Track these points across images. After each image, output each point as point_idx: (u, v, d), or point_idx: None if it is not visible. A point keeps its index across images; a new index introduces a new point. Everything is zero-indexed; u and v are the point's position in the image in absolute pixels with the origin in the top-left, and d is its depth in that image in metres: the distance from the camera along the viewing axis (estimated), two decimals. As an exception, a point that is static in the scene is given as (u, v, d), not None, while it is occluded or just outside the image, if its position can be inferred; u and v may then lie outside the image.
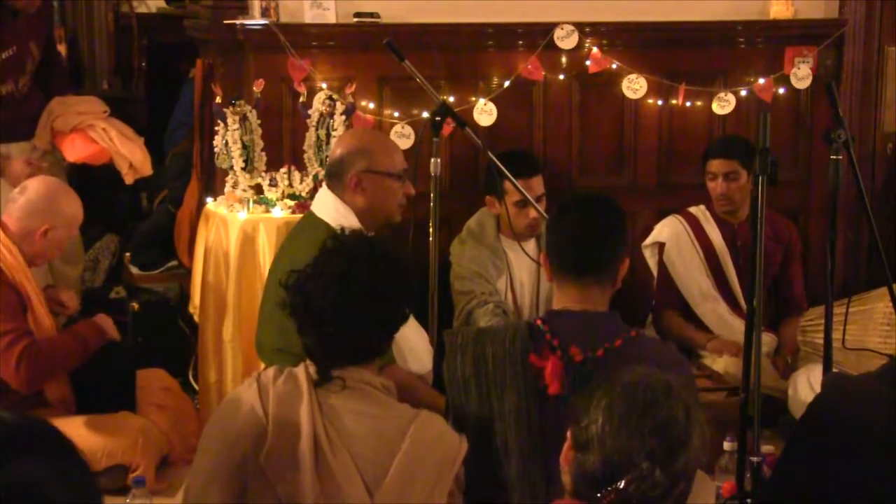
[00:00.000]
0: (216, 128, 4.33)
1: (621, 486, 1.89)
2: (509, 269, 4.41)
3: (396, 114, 4.65)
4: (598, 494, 1.91)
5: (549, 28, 4.71)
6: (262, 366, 3.50)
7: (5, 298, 3.79)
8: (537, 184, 4.36)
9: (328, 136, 4.29)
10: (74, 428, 3.83)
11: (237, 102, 4.28)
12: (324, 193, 3.69)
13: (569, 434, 1.99)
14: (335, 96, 4.39)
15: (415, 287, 2.54)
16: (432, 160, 3.78)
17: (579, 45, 4.75)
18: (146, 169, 4.74)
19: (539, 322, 2.64)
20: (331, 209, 3.60)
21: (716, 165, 4.55)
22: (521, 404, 2.57)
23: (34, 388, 3.88)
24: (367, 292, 2.42)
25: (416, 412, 2.44)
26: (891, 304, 3.67)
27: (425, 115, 4.48)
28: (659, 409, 1.94)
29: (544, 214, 4.04)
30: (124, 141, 4.62)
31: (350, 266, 2.44)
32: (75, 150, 4.61)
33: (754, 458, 2.75)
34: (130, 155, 4.64)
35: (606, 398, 1.96)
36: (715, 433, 2.97)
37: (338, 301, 2.41)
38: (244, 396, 2.42)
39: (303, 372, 2.44)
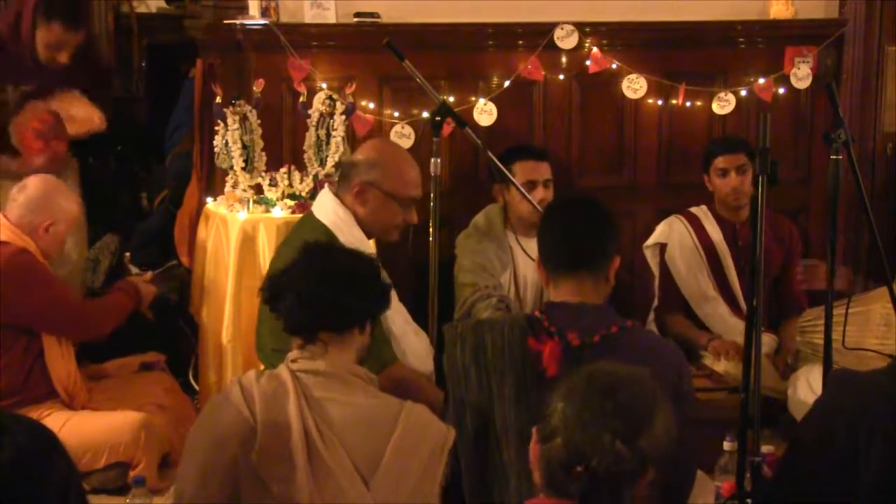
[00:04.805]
0: (216, 128, 4.33)
1: (589, 464, 1.93)
2: (514, 263, 4.42)
3: (396, 114, 4.65)
4: (568, 478, 1.95)
5: (549, 28, 4.71)
6: (262, 366, 3.50)
7: (48, 269, 4.07)
8: (545, 168, 4.43)
9: (328, 136, 4.30)
10: (77, 423, 3.88)
11: (237, 102, 4.28)
12: (325, 195, 3.69)
13: (534, 430, 2.04)
14: (335, 96, 4.39)
15: (383, 281, 2.64)
16: (432, 160, 3.79)
17: (579, 45, 4.75)
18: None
19: (537, 313, 2.72)
20: (329, 212, 3.60)
21: (725, 161, 4.54)
22: (520, 387, 2.62)
23: (93, 336, 4.20)
24: (340, 258, 2.59)
25: (402, 401, 2.49)
26: (887, 306, 3.67)
27: (425, 115, 4.49)
28: (619, 389, 2.01)
29: (537, 206, 4.11)
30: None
31: (322, 246, 2.66)
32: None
33: (754, 458, 2.75)
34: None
35: (567, 387, 2.03)
36: (715, 433, 3.02)
37: (313, 267, 2.55)
38: (227, 399, 2.44)
39: (285, 370, 2.48)
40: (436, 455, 2.41)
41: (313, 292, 2.50)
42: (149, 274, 4.42)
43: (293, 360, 2.49)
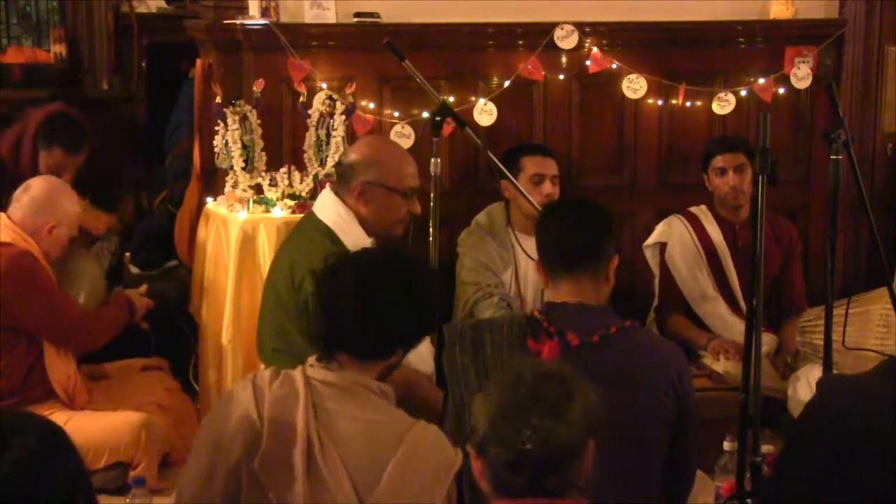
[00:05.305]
0: (216, 128, 4.33)
1: (526, 448, 1.95)
2: (516, 261, 4.43)
3: (396, 114, 4.65)
4: (514, 476, 1.97)
5: (549, 28, 4.71)
6: (262, 366, 3.50)
7: (50, 273, 4.06)
8: (552, 164, 4.46)
9: (328, 136, 4.30)
10: (78, 424, 3.88)
11: (237, 102, 4.28)
12: (326, 195, 3.69)
13: (469, 448, 2.06)
14: (335, 96, 4.39)
15: (426, 310, 2.50)
16: (432, 160, 3.79)
17: (579, 45, 4.75)
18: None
19: (536, 313, 2.73)
20: (331, 212, 3.60)
21: (724, 160, 4.53)
22: None
23: (92, 348, 4.20)
24: (384, 278, 2.43)
25: (413, 420, 2.40)
26: (886, 306, 3.68)
27: (425, 115, 4.49)
28: (525, 375, 2.04)
29: (536, 206, 4.10)
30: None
31: (370, 259, 2.51)
32: None
33: (754, 458, 2.76)
34: None
35: (479, 400, 2.06)
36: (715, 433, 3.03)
37: (348, 282, 2.41)
38: (239, 399, 2.39)
39: (300, 375, 2.41)
40: (440, 478, 2.34)
41: (338, 313, 2.40)
42: (143, 287, 4.41)
43: (311, 365, 2.43)
